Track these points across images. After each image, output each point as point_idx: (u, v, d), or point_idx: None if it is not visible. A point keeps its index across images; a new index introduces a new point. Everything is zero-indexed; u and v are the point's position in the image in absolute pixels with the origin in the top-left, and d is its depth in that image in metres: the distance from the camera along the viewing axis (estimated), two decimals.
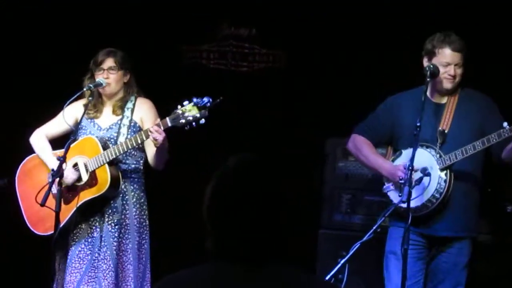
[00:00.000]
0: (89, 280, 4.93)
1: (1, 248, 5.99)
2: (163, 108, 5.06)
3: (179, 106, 4.72)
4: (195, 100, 4.68)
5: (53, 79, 5.70)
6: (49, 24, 7.06)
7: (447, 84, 4.98)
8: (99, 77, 5.07)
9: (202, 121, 4.67)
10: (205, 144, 4.75)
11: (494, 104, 5.06)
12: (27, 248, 5.41)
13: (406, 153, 4.84)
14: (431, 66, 4.92)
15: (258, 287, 2.23)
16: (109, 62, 5.10)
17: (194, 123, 4.68)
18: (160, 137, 4.73)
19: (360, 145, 5.20)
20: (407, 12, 6.50)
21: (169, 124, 4.72)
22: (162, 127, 4.72)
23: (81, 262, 4.96)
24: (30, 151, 5.24)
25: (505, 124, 4.66)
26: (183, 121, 4.68)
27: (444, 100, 5.07)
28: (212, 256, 2.26)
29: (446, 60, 4.94)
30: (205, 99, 4.66)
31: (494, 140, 4.75)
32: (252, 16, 7.07)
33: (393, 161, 5.09)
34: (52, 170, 4.84)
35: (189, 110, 4.68)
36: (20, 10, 7.10)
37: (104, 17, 6.92)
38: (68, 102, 5.04)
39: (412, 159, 4.62)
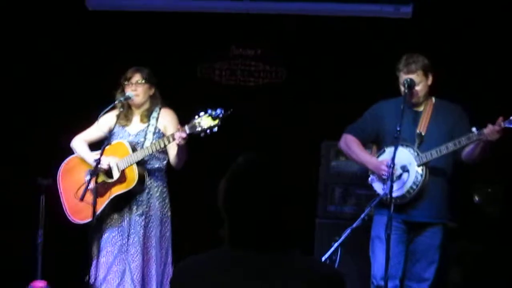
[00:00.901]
0: (119, 262, 4.93)
1: (48, 234, 5.93)
2: (182, 118, 5.06)
3: (196, 116, 4.71)
4: (209, 111, 4.68)
5: (89, 93, 5.66)
6: (88, 48, 7.08)
7: (414, 98, 5.02)
8: (129, 91, 5.06)
9: (215, 129, 4.67)
10: (218, 147, 4.72)
11: (464, 112, 5.08)
12: (67, 233, 5.33)
13: (389, 150, 4.85)
14: (408, 80, 4.91)
15: (266, 268, 2.20)
16: (137, 78, 5.09)
17: (208, 131, 4.68)
18: (182, 141, 4.73)
19: (350, 143, 5.20)
20: (385, 33, 6.52)
21: (187, 132, 4.71)
22: (183, 134, 4.71)
23: (113, 246, 4.96)
24: (69, 153, 5.23)
25: (474, 129, 4.74)
26: (199, 129, 4.68)
27: (421, 108, 5.08)
28: (225, 242, 2.24)
29: (408, 78, 4.97)
30: (218, 111, 4.66)
31: (464, 142, 4.80)
32: (257, 39, 7.08)
33: (378, 157, 5.09)
34: (90, 168, 4.89)
35: (204, 120, 4.68)
36: (64, 36, 7.09)
37: (133, 39, 6.94)
38: (103, 113, 5.07)
39: (393, 158, 4.66)
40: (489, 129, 4.66)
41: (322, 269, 2.42)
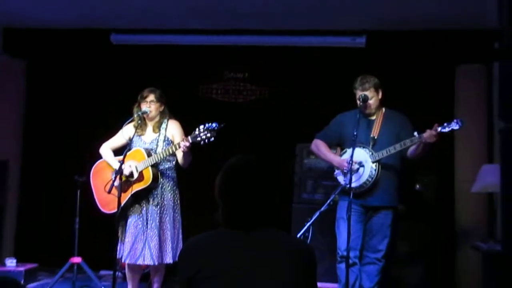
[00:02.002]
0: (139, 241, 4.89)
1: (83, 221, 5.94)
2: (187, 128, 5.02)
3: (196, 129, 4.70)
4: (207, 124, 4.67)
5: (113, 111, 5.68)
6: (112, 73, 7.12)
7: (367, 109, 5.03)
8: (144, 107, 5.05)
9: (212, 139, 4.66)
10: (216, 150, 4.73)
11: (407, 120, 5.08)
12: (98, 221, 5.34)
13: (349, 151, 4.82)
14: (362, 95, 4.95)
15: (253, 243, 2.23)
16: (151, 97, 5.07)
17: (207, 140, 4.66)
18: (186, 149, 4.75)
19: (319, 146, 5.21)
20: (345, 59, 6.54)
21: (190, 141, 4.71)
22: (187, 143, 4.72)
23: (135, 230, 4.92)
24: (98, 157, 5.21)
25: (416, 133, 4.77)
26: (199, 139, 4.67)
27: (374, 117, 5.08)
28: (220, 224, 2.28)
29: (361, 93, 5.00)
30: (214, 124, 4.65)
31: (408, 143, 4.82)
32: (245, 65, 7.07)
33: (340, 156, 5.09)
34: (115, 169, 4.88)
35: (202, 132, 4.66)
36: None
37: (148, 66, 6.96)
38: (124, 125, 5.06)
39: (352, 156, 4.69)
40: (427, 134, 4.70)
41: (298, 243, 2.47)
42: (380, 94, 5.07)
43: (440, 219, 6.02)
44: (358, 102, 4.99)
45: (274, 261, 2.17)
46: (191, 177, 5.30)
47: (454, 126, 4.70)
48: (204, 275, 2.16)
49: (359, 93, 5.00)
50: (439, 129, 4.69)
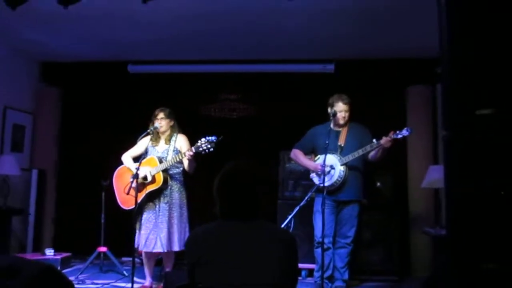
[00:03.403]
0: (154, 233, 4.87)
1: (108, 216, 5.94)
2: (190, 141, 5.03)
3: (199, 141, 4.67)
4: (207, 137, 4.65)
5: (131, 126, 5.65)
6: (129, 96, 7.08)
7: (341, 121, 5.01)
8: (156, 123, 5.03)
9: (212, 149, 4.64)
10: (214, 157, 4.71)
11: (367, 130, 5.07)
12: (119, 216, 5.30)
13: (322, 157, 4.81)
14: (334, 111, 4.95)
15: (246, 232, 2.24)
16: (161, 115, 5.06)
17: (207, 150, 4.64)
18: (191, 157, 4.74)
19: (297, 154, 5.19)
20: (317, 83, 6.53)
21: (194, 151, 4.69)
22: (191, 152, 4.70)
23: (149, 223, 4.90)
24: (119, 164, 5.18)
25: (374, 140, 4.79)
26: (201, 149, 4.65)
27: (341, 129, 5.07)
28: (218, 217, 2.27)
29: (339, 109, 4.98)
30: (213, 137, 4.64)
31: (369, 149, 4.83)
32: (236, 88, 7.06)
33: (315, 161, 5.07)
34: (133, 174, 4.84)
35: (204, 143, 4.64)
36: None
37: (159, 90, 6.95)
38: (140, 137, 5.07)
39: (324, 161, 4.68)
40: (384, 140, 4.71)
41: (282, 232, 2.50)
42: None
43: (396, 210, 6.01)
44: (330, 116, 4.98)
45: (263, 247, 2.16)
46: (196, 179, 5.28)
47: (405, 133, 4.72)
48: (205, 259, 2.15)
49: (333, 109, 4.99)
50: (393, 136, 4.71)
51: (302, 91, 6.71)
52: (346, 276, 5.07)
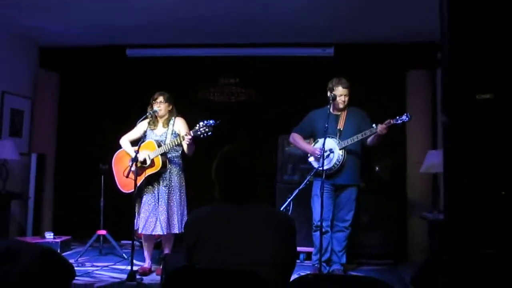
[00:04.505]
0: (153, 216, 4.90)
1: (107, 200, 5.96)
2: (189, 125, 5.03)
3: (197, 125, 4.69)
4: (206, 121, 4.66)
5: (129, 110, 5.63)
6: (127, 81, 7.06)
7: (340, 105, 5.01)
8: (155, 107, 5.03)
9: (210, 133, 4.66)
10: (212, 142, 4.71)
11: (366, 114, 5.09)
12: (119, 199, 5.32)
13: (321, 141, 4.83)
14: (333, 95, 4.93)
15: (244, 215, 2.24)
16: (160, 99, 5.06)
17: (205, 134, 4.66)
18: (189, 141, 4.74)
19: (296, 138, 5.21)
20: (316, 66, 6.51)
21: (192, 135, 4.70)
22: (190, 136, 4.71)
23: (148, 206, 4.93)
24: (118, 148, 5.19)
25: (374, 125, 4.79)
26: (199, 133, 4.66)
27: (340, 113, 5.07)
28: (217, 199, 2.28)
29: (339, 93, 4.96)
30: (211, 121, 4.65)
31: (368, 134, 4.85)
32: (235, 72, 7.02)
33: (313, 145, 5.09)
34: (132, 157, 4.84)
35: (202, 127, 4.65)
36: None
37: (158, 75, 6.89)
38: (139, 121, 5.06)
39: (323, 145, 4.70)
40: (380, 127, 4.74)
41: (281, 215, 2.51)
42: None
43: (395, 194, 6.02)
44: (329, 100, 4.97)
45: (260, 229, 2.16)
46: (194, 163, 5.28)
47: (405, 118, 4.74)
48: (203, 241, 2.16)
49: (335, 92, 4.98)
50: (392, 121, 4.72)
51: (302, 75, 6.68)
52: (343, 260, 5.11)
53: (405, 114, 4.76)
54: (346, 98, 4.99)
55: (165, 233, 4.88)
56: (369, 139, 4.92)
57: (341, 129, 4.98)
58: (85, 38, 6.62)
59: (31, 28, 6.23)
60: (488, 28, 1.90)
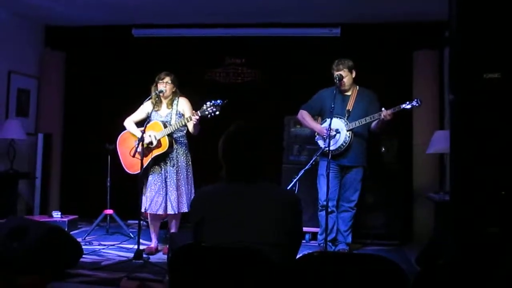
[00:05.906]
0: (159, 196, 4.94)
1: (113, 180, 6.00)
2: (195, 105, 5.03)
3: (204, 105, 4.71)
4: (213, 101, 4.68)
5: (134, 91, 5.61)
6: (133, 60, 7.04)
7: (341, 86, 5.02)
8: (161, 87, 5.02)
9: (217, 112, 4.67)
10: (219, 121, 4.71)
11: (376, 97, 5.10)
12: (125, 180, 5.35)
13: (328, 120, 4.82)
14: (338, 75, 4.92)
15: (250, 193, 2.23)
16: (167, 79, 5.05)
17: (213, 114, 4.67)
18: (196, 121, 4.77)
19: (304, 115, 5.21)
20: (323, 46, 6.48)
21: (199, 115, 4.72)
22: (197, 116, 4.73)
23: (154, 186, 4.97)
24: (123, 129, 5.21)
25: (383, 109, 4.78)
26: (206, 113, 4.68)
27: (349, 93, 5.08)
28: (224, 178, 2.27)
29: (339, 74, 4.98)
30: (218, 101, 4.67)
31: (376, 117, 4.85)
32: (242, 53, 6.99)
33: (321, 124, 5.10)
34: (138, 138, 4.83)
35: (209, 107, 4.67)
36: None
37: (164, 55, 6.86)
38: (144, 102, 5.07)
39: (330, 125, 4.71)
40: (384, 112, 4.74)
41: (287, 194, 2.51)
42: (354, 74, 5.06)
43: (401, 175, 6.02)
44: (335, 80, 4.98)
45: (266, 207, 2.17)
46: (201, 142, 5.30)
47: (415, 104, 4.75)
48: (209, 218, 2.18)
49: (336, 73, 4.99)
50: (401, 106, 4.72)
51: (308, 56, 6.64)
52: (349, 240, 5.14)
53: (416, 99, 4.76)
54: (347, 79, 4.98)
55: (176, 213, 4.95)
56: (372, 124, 4.92)
57: (350, 110, 4.98)
58: (91, 17, 6.60)
59: (37, 7, 6.21)
60: (497, 7, 1.89)
